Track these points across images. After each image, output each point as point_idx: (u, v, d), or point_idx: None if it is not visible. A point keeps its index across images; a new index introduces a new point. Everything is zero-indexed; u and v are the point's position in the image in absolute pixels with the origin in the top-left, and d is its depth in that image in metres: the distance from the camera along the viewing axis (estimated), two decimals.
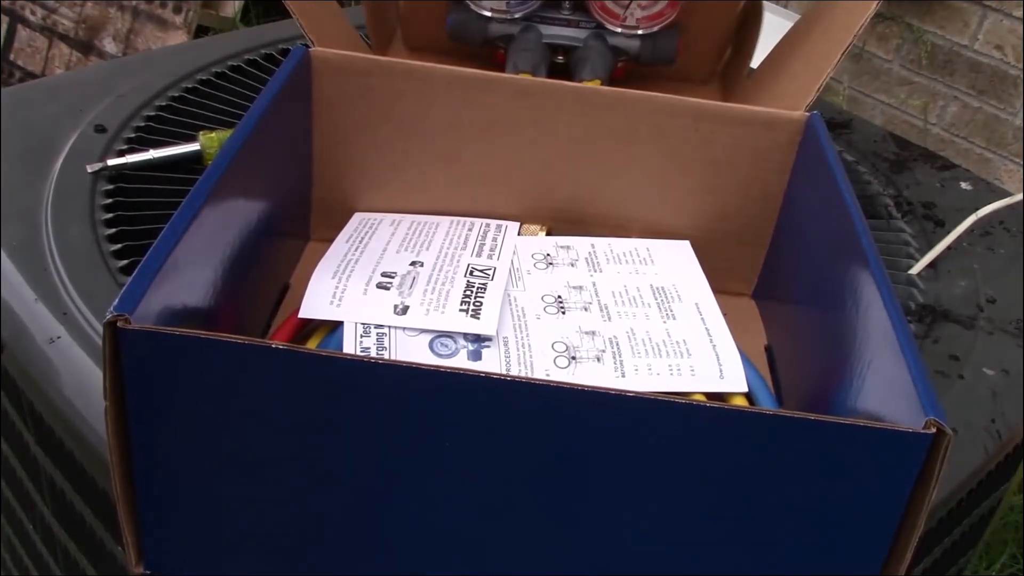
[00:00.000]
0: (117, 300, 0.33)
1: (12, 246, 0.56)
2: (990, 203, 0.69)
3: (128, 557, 0.37)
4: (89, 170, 0.63)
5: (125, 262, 0.56)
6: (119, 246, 0.57)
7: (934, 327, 0.60)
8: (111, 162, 0.64)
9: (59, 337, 0.51)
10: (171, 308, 0.37)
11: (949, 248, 0.67)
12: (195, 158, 0.65)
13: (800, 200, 0.53)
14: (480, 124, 0.55)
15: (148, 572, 0.38)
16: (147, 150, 0.65)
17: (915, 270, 0.65)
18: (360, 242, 0.53)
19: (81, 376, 0.50)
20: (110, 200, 0.61)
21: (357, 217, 0.56)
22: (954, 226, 0.68)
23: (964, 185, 0.77)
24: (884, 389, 0.37)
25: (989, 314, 0.62)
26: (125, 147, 0.66)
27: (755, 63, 0.68)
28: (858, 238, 0.43)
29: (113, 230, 0.58)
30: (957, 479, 0.52)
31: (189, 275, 0.39)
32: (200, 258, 0.40)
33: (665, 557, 0.36)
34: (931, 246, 0.67)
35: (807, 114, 0.53)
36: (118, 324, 0.33)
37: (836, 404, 0.41)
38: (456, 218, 0.57)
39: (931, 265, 0.66)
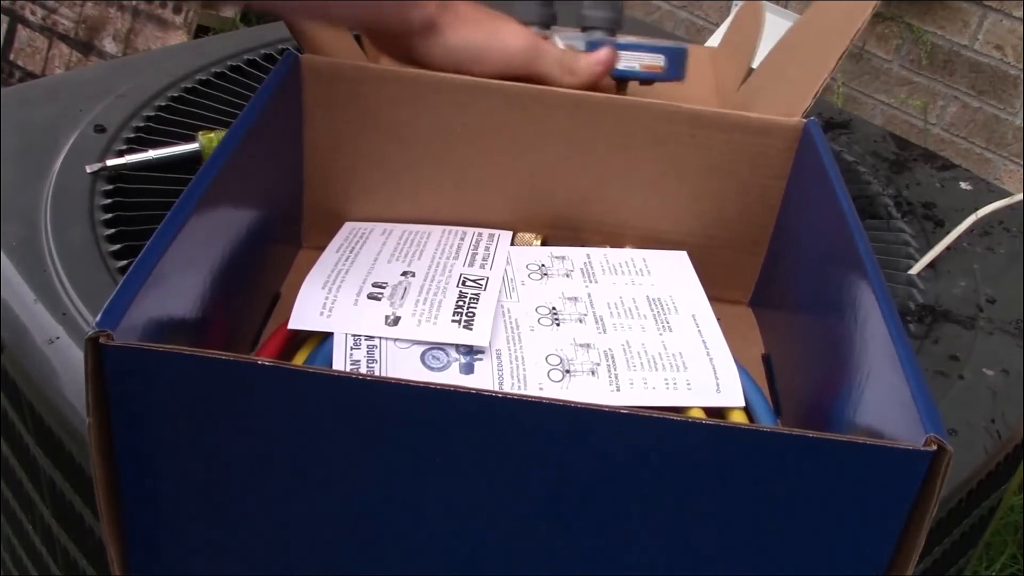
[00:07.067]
0: (100, 315, 0.33)
1: (12, 246, 0.56)
2: (990, 203, 0.69)
3: (113, 570, 0.37)
4: (88, 170, 0.63)
5: (124, 262, 0.56)
6: (118, 246, 0.57)
7: (934, 327, 0.60)
8: (110, 162, 0.64)
9: (58, 338, 0.51)
10: (157, 320, 0.36)
11: (949, 248, 0.67)
12: (194, 158, 0.65)
13: (797, 207, 0.53)
14: (472, 130, 0.55)
15: None
16: (146, 150, 0.65)
17: (915, 270, 0.65)
18: (351, 252, 0.52)
19: (80, 376, 0.50)
20: (109, 200, 0.61)
21: (348, 227, 0.56)
22: (954, 226, 0.68)
23: (964, 185, 0.77)
24: (883, 402, 0.36)
25: (989, 314, 0.62)
26: (124, 147, 0.66)
27: (755, 63, 0.68)
28: (855, 245, 0.43)
29: (112, 230, 0.58)
30: (957, 479, 0.52)
31: (176, 286, 0.38)
32: (188, 268, 0.40)
33: (661, 575, 0.36)
34: (931, 246, 0.67)
35: (804, 120, 0.53)
36: (100, 340, 0.32)
37: (835, 415, 0.40)
38: (448, 227, 0.56)
39: (931, 265, 0.65)
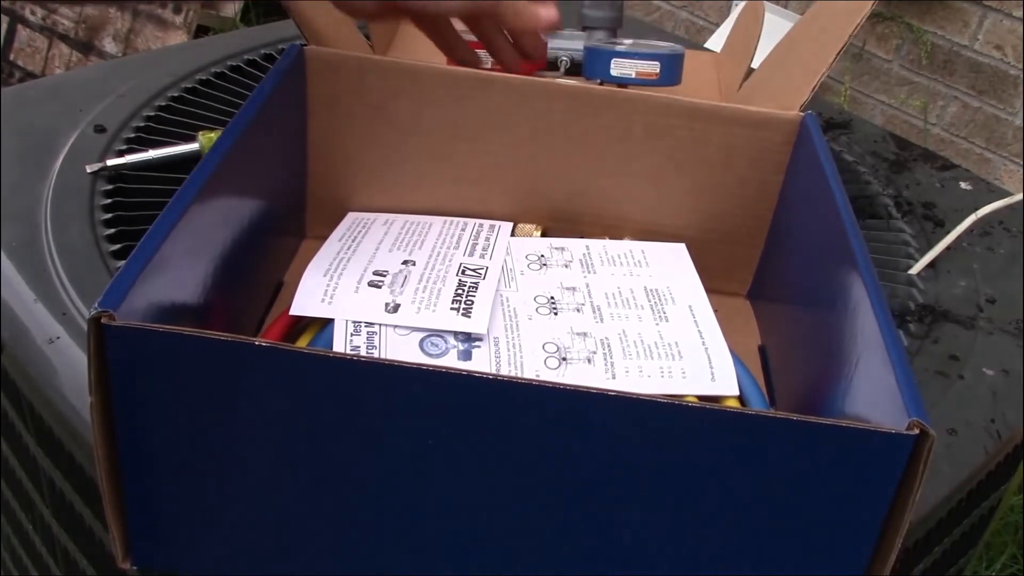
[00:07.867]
0: (102, 296, 0.33)
1: (12, 246, 0.56)
2: (990, 203, 0.69)
3: (116, 552, 0.37)
4: (88, 170, 0.63)
5: (124, 262, 0.56)
6: (118, 246, 0.57)
7: (934, 327, 0.60)
8: (110, 162, 0.64)
9: (58, 337, 0.51)
10: (160, 304, 0.36)
11: (949, 248, 0.67)
12: (194, 158, 0.65)
13: (794, 200, 0.53)
14: (474, 123, 0.55)
15: (136, 567, 0.38)
16: (146, 150, 0.65)
17: (915, 270, 0.65)
18: (353, 241, 0.53)
19: (81, 376, 0.50)
20: (109, 200, 0.61)
21: (350, 217, 0.57)
22: (954, 226, 0.68)
23: (964, 185, 0.77)
24: (871, 390, 0.37)
25: (989, 314, 0.62)
26: (124, 147, 0.66)
27: (755, 63, 0.68)
28: (847, 239, 0.43)
29: (112, 230, 0.58)
30: (957, 479, 0.52)
31: (179, 271, 0.39)
32: (191, 255, 0.40)
33: (650, 558, 0.36)
34: (931, 246, 0.67)
35: (801, 114, 0.53)
36: (102, 320, 0.33)
37: (826, 405, 0.41)
38: (449, 218, 0.57)
39: (931, 265, 0.65)
